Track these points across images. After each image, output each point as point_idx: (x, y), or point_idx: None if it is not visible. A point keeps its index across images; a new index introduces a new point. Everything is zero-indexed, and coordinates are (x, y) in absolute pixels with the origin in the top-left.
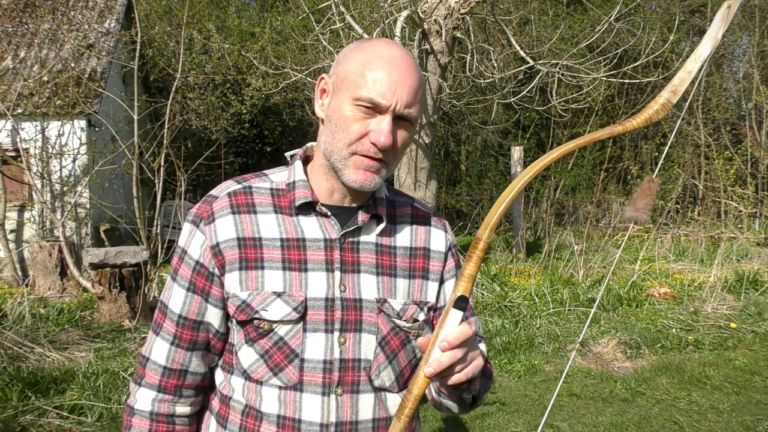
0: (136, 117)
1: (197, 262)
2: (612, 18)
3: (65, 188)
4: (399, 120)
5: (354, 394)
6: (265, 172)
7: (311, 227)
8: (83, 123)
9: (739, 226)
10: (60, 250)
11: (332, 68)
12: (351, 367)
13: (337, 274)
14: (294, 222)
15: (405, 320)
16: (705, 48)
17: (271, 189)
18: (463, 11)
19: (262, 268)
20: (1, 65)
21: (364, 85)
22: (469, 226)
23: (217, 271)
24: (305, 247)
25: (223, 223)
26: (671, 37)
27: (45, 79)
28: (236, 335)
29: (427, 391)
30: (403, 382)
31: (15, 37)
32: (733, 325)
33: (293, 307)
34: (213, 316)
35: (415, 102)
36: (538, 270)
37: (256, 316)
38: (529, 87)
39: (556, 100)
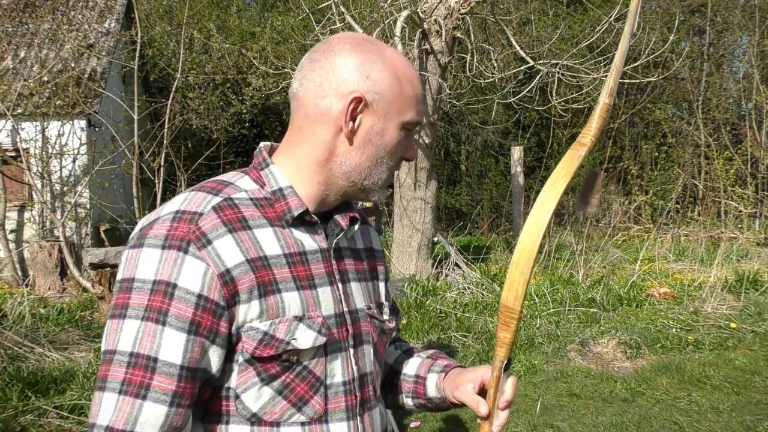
0: (136, 117)
1: (200, 296)
2: (612, 18)
3: (65, 188)
4: None
5: (370, 411)
6: (224, 179)
7: (305, 238)
8: (83, 123)
9: (739, 226)
10: (60, 250)
11: (362, 84)
12: (364, 383)
13: (340, 286)
14: (290, 234)
15: (388, 322)
16: (624, 43)
17: (252, 199)
18: (463, 11)
19: (279, 291)
20: (1, 65)
21: (411, 107)
22: (469, 226)
23: (226, 303)
24: (308, 261)
25: (224, 244)
26: (671, 37)
27: (45, 79)
28: (239, 376)
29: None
30: (380, 388)
31: (15, 37)
32: (733, 325)
33: (317, 330)
34: (214, 360)
35: None
36: (538, 270)
37: (288, 348)
38: (529, 87)
39: (556, 100)
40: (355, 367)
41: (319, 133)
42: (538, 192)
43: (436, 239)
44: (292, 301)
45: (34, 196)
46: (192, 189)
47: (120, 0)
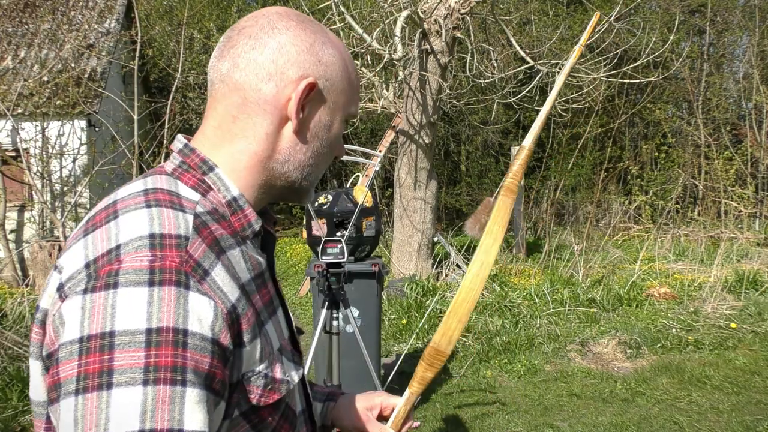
0: (136, 117)
1: (213, 342)
2: (612, 18)
3: (65, 188)
4: None
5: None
6: (163, 187)
7: (258, 256)
8: (83, 123)
9: (739, 226)
10: (60, 250)
11: (313, 67)
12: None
13: (280, 302)
14: (250, 252)
15: None
16: (554, 93)
17: (209, 213)
18: (463, 11)
19: (263, 323)
20: (1, 65)
21: (356, 98)
22: None
23: (232, 347)
24: (266, 281)
25: (220, 274)
26: (671, 37)
27: (45, 79)
28: (231, 428)
29: None
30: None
31: (15, 37)
32: (733, 325)
33: (291, 359)
34: (216, 421)
35: None
36: (538, 270)
37: (288, 388)
38: (529, 87)
39: (556, 100)
40: (303, 393)
41: (260, 125)
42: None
43: (436, 239)
44: (271, 332)
45: (34, 196)
46: (142, 204)
47: (120, 0)
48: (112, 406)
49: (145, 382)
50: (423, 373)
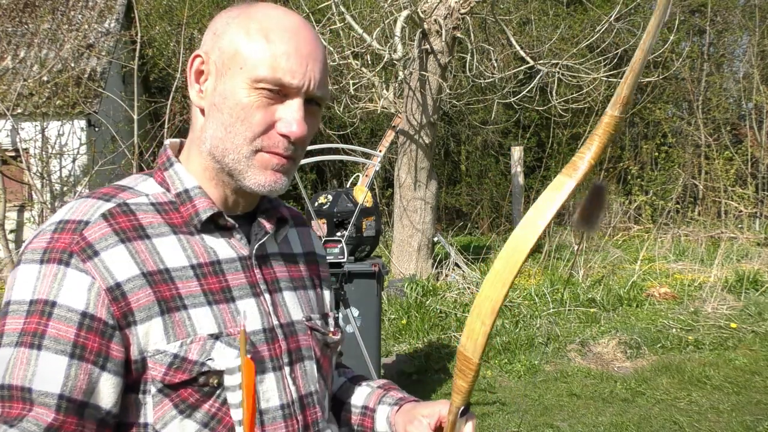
0: (136, 117)
1: (84, 314)
2: (612, 18)
3: (65, 188)
4: (308, 104)
5: None
6: (123, 183)
7: (220, 246)
8: (83, 123)
9: (740, 226)
10: None
11: (209, 42)
12: (307, 404)
13: (267, 297)
14: (199, 242)
15: (332, 334)
16: (648, 40)
17: (153, 204)
18: (463, 11)
19: (185, 307)
20: (1, 65)
21: (267, 61)
22: (469, 226)
23: (117, 323)
24: (223, 271)
25: (114, 255)
26: (671, 37)
27: (45, 79)
28: (155, 409)
29: None
30: (328, 409)
31: (15, 37)
32: (733, 325)
33: (238, 347)
34: (107, 391)
35: (326, 80)
36: (538, 270)
37: (204, 369)
38: (529, 87)
39: (556, 100)
40: (292, 388)
41: (195, 116)
42: (538, 192)
43: (436, 239)
44: (202, 317)
45: (34, 196)
46: (82, 195)
47: (120, 0)
48: (8, 360)
49: (15, 344)
50: (457, 381)
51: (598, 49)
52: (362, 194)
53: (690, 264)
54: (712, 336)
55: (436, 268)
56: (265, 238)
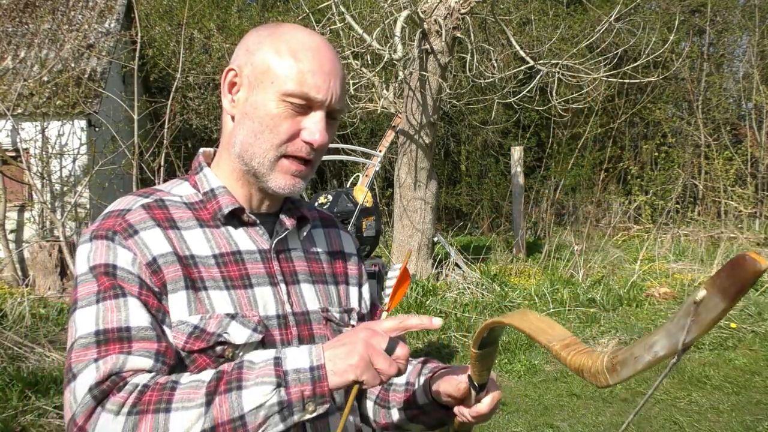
0: (136, 117)
1: (138, 277)
2: (612, 18)
3: (65, 188)
4: (327, 116)
5: (324, 419)
6: (160, 186)
7: (242, 239)
8: (83, 123)
9: (739, 226)
10: (60, 250)
11: (242, 57)
12: None
13: (283, 287)
14: (223, 234)
15: (351, 327)
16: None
17: (185, 203)
18: (463, 11)
19: (206, 288)
20: (1, 65)
21: (296, 77)
22: (469, 226)
23: (160, 291)
24: (243, 260)
25: (151, 236)
26: (671, 37)
27: (45, 79)
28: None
29: (383, 419)
30: (341, 400)
31: (15, 37)
32: (733, 325)
33: (252, 328)
34: (171, 342)
35: (345, 95)
36: (538, 270)
37: (220, 339)
38: (529, 87)
39: (556, 100)
40: None
41: (226, 122)
42: (538, 192)
43: (436, 239)
44: (221, 299)
45: (34, 196)
46: (129, 194)
47: (120, 0)
48: (77, 322)
49: (97, 301)
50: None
51: (598, 49)
52: (362, 194)
53: (690, 264)
54: (712, 336)
55: (436, 268)
56: (285, 234)
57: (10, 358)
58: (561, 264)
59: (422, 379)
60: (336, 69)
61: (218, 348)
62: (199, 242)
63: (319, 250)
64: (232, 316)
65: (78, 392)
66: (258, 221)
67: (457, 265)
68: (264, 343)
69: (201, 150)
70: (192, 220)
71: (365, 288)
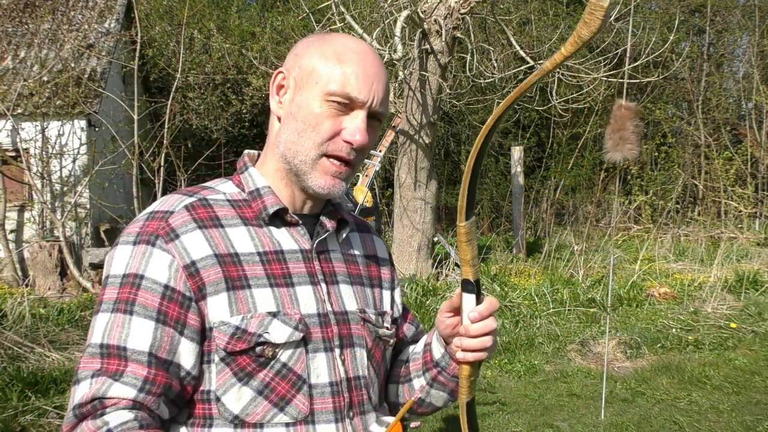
0: (136, 117)
1: (166, 287)
2: (612, 18)
3: (65, 188)
4: (371, 118)
5: (362, 416)
6: (206, 184)
7: (284, 238)
8: (83, 123)
9: (739, 226)
10: (60, 250)
11: (291, 61)
12: (355, 386)
13: (323, 286)
14: (266, 233)
15: (386, 329)
16: None
17: (229, 200)
18: (463, 11)
19: (249, 287)
20: (1, 65)
21: (339, 78)
22: None
23: (193, 296)
24: (285, 260)
25: (192, 239)
26: (671, 37)
27: (45, 79)
28: (217, 377)
29: (407, 395)
30: (380, 398)
31: (15, 37)
32: (733, 325)
33: (293, 326)
34: (186, 354)
35: (387, 99)
36: (538, 270)
37: (261, 340)
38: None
39: (556, 100)
40: (341, 368)
41: (272, 123)
42: (538, 192)
43: (436, 239)
44: (264, 297)
45: (34, 196)
46: (174, 193)
47: (120, 0)
48: (95, 326)
49: (112, 311)
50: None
51: (598, 49)
52: (362, 194)
53: (690, 264)
54: (712, 336)
55: (436, 268)
56: (325, 235)
57: (10, 358)
58: (561, 264)
59: (433, 336)
60: (379, 73)
61: (258, 348)
62: (243, 240)
63: (356, 253)
64: (274, 314)
65: (71, 402)
66: (300, 221)
67: (457, 265)
68: (305, 342)
69: (246, 151)
70: (236, 218)
71: (397, 292)
